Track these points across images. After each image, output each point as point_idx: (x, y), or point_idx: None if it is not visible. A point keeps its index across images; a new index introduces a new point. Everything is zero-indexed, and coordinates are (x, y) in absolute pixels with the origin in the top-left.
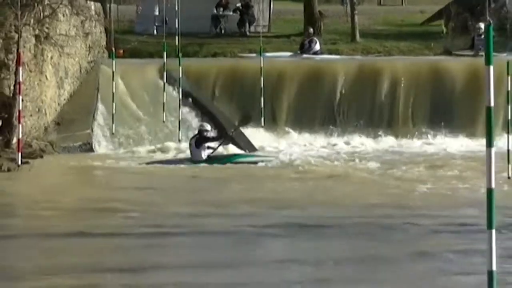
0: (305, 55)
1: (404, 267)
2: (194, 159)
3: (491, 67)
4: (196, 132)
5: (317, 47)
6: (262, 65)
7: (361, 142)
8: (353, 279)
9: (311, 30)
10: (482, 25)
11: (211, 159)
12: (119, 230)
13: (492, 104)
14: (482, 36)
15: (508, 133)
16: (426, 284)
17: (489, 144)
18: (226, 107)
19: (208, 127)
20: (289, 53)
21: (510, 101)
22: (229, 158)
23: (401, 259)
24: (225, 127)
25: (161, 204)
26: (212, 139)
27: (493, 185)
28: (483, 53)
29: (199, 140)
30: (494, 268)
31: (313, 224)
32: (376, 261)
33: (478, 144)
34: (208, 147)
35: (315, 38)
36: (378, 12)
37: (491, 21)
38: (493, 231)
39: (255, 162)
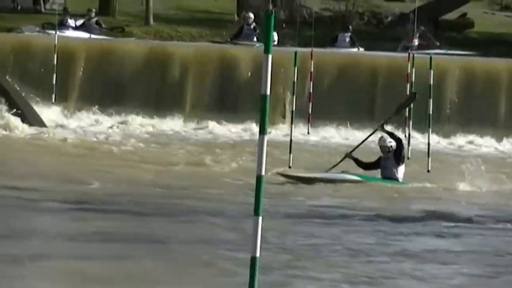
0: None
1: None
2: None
3: (270, 56)
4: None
5: None
6: (56, 42)
7: (141, 123)
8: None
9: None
10: (251, 15)
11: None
12: None
13: (268, 92)
14: (252, 26)
15: (292, 123)
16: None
17: (262, 131)
18: (19, 83)
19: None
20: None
21: (296, 91)
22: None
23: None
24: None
25: None
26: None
27: (263, 172)
28: (258, 44)
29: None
30: (257, 254)
31: (97, 200)
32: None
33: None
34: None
35: None
36: None
37: (275, 11)
38: (260, 217)
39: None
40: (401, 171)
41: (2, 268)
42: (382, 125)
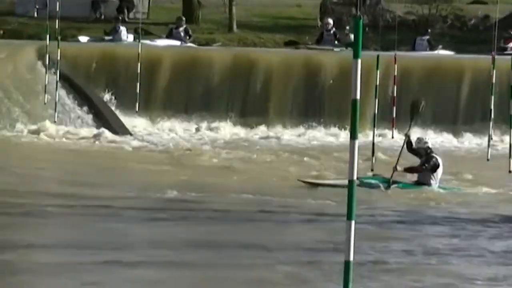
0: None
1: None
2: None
3: (359, 61)
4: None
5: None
6: (140, 51)
7: (232, 132)
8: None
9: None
10: (330, 21)
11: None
12: None
13: (358, 97)
14: (331, 32)
15: (374, 126)
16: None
17: (353, 136)
18: (103, 91)
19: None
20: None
21: (378, 95)
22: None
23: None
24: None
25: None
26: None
27: (355, 177)
28: (336, 48)
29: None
30: (351, 258)
31: (182, 208)
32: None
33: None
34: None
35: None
36: (255, 4)
37: (362, 16)
38: (353, 222)
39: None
40: (436, 177)
41: (84, 275)
42: (407, 135)
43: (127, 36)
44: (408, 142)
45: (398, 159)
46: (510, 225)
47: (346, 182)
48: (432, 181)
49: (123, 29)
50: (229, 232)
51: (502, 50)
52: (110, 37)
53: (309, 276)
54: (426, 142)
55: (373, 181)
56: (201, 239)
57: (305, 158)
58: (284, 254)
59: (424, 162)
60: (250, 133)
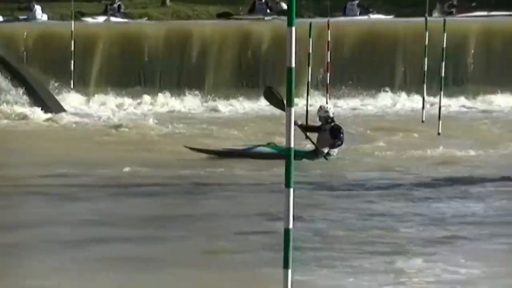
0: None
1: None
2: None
3: (293, 29)
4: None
5: None
6: (73, 28)
7: (168, 105)
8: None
9: None
10: None
11: None
12: None
13: (293, 65)
14: (263, 1)
15: (307, 94)
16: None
17: (289, 104)
18: (36, 69)
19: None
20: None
21: (311, 62)
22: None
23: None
24: None
25: None
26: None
27: (292, 145)
28: (267, 17)
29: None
30: (291, 226)
31: (120, 184)
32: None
33: None
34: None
35: None
36: None
37: None
38: (291, 189)
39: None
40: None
41: (35, 255)
42: (296, 123)
43: (41, 15)
44: (301, 127)
45: (315, 145)
46: (439, 187)
47: (236, 149)
48: (331, 150)
49: (37, 7)
50: (169, 206)
51: (447, 15)
52: (25, 16)
53: (250, 246)
54: (327, 111)
55: (266, 149)
56: (144, 214)
57: (238, 128)
58: (225, 225)
59: (336, 134)
60: (186, 105)
